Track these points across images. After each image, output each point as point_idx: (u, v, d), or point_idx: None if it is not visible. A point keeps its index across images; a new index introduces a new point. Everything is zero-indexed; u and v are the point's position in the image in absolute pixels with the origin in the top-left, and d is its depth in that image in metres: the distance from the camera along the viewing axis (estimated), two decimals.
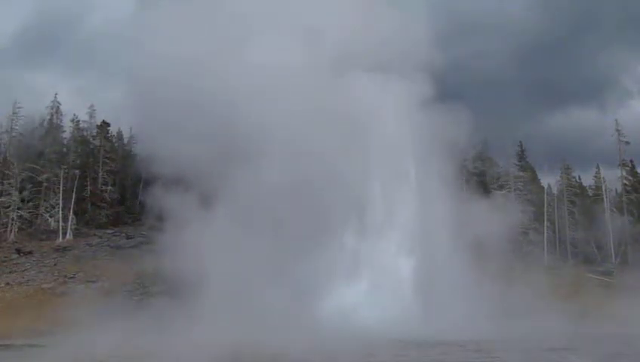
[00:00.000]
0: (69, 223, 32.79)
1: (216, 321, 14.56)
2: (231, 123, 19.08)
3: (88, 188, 35.52)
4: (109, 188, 37.04)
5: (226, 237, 17.83)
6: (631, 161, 38.24)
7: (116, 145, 42.17)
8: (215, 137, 19.74)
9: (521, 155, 39.70)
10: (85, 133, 38.87)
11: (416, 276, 17.93)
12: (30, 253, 30.05)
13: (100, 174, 37.00)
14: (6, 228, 32.43)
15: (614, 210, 36.38)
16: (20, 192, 33.55)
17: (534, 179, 39.31)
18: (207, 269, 17.82)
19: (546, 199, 35.63)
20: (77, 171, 35.14)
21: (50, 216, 33.55)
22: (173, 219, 19.94)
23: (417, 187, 19.66)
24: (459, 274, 17.94)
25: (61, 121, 38.92)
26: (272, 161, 18.48)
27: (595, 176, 40.17)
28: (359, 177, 19.36)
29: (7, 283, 26.52)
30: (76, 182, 34.28)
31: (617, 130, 36.90)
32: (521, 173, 36.81)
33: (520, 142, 40.01)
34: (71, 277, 27.05)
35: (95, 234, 32.99)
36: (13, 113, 35.90)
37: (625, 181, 37.57)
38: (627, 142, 36.94)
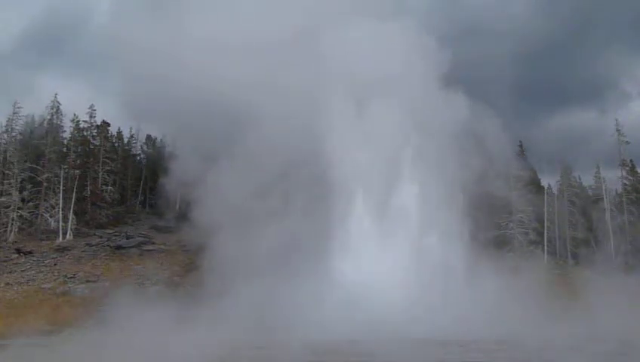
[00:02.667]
0: (69, 223, 32.78)
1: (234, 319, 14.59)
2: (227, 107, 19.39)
3: (88, 188, 35.52)
4: (109, 188, 37.05)
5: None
6: (631, 161, 38.25)
7: (116, 145, 42.22)
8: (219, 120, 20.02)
9: (522, 155, 39.64)
10: (85, 133, 38.82)
11: (413, 272, 17.91)
12: (30, 253, 30.05)
13: (100, 174, 37.02)
14: (6, 228, 32.41)
15: (614, 209, 36.36)
16: (20, 192, 33.53)
17: (534, 179, 39.28)
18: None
19: (546, 199, 35.61)
20: (77, 171, 35.13)
21: (50, 216, 33.55)
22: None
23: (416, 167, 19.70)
24: (457, 272, 17.95)
25: (61, 121, 38.98)
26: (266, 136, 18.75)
27: (595, 176, 40.15)
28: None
29: (7, 283, 26.51)
30: (76, 182, 34.27)
31: (617, 130, 36.92)
32: (521, 173, 36.76)
33: (520, 142, 40.00)
34: (71, 277, 27.06)
35: (95, 234, 32.99)
36: (14, 113, 35.94)
37: (625, 181, 37.55)
38: (627, 142, 37.01)
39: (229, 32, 20.24)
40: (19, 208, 32.94)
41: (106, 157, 37.92)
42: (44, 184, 34.45)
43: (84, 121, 38.44)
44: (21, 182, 33.74)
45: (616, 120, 37.90)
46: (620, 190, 38.15)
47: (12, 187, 33.11)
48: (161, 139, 46.26)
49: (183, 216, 35.83)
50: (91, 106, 38.92)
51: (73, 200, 33.44)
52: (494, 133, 21.31)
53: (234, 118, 19.89)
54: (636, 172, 38.27)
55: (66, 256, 29.74)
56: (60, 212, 32.82)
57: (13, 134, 36.00)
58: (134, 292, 24.64)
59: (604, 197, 36.86)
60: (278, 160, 18.66)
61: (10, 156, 34.32)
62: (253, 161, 19.16)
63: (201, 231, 19.51)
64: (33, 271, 27.90)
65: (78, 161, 36.87)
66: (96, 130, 38.73)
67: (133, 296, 23.08)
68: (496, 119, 21.46)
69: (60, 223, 32.53)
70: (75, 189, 33.92)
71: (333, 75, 19.48)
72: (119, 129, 42.96)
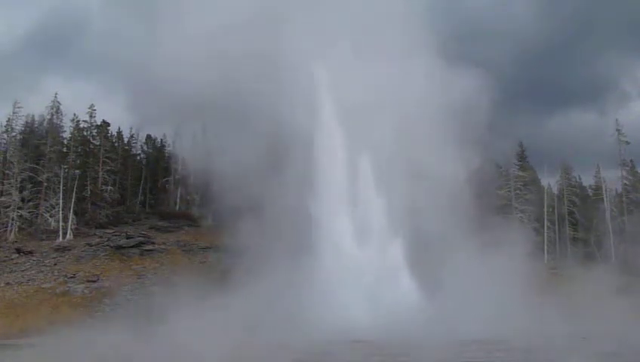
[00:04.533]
0: (69, 223, 32.78)
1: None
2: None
3: (88, 188, 35.51)
4: (109, 188, 37.04)
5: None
6: (631, 161, 38.27)
7: (116, 145, 42.19)
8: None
9: (522, 155, 39.64)
10: (85, 133, 38.78)
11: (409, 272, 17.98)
12: (30, 252, 30.04)
13: (100, 174, 36.99)
14: (6, 228, 32.41)
15: (614, 210, 36.36)
16: (20, 192, 33.53)
17: (534, 179, 39.28)
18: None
19: (546, 199, 35.61)
20: (77, 171, 35.13)
21: (51, 216, 33.54)
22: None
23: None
24: (457, 272, 17.94)
25: (61, 121, 38.95)
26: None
27: (595, 176, 40.19)
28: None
29: (7, 283, 26.50)
30: (76, 182, 34.28)
31: (617, 130, 36.93)
32: (521, 173, 36.77)
33: (520, 142, 39.99)
34: (71, 277, 27.05)
35: (95, 234, 32.98)
36: (14, 113, 35.95)
37: (625, 181, 37.56)
38: (627, 142, 37.00)
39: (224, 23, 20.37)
40: (19, 208, 32.94)
41: (106, 157, 37.90)
42: (44, 184, 34.45)
43: (84, 120, 38.42)
44: (21, 182, 33.73)
45: (617, 120, 38.04)
46: (620, 190, 38.18)
47: (12, 187, 33.11)
48: (161, 139, 46.37)
49: (183, 215, 36.02)
50: (91, 106, 38.95)
51: (73, 200, 33.43)
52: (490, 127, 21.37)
53: (234, 111, 19.97)
54: (636, 172, 38.26)
55: (66, 256, 29.73)
56: (60, 212, 32.82)
57: (13, 134, 36.01)
58: (134, 292, 24.70)
59: (604, 197, 36.87)
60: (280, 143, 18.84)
61: (10, 156, 34.32)
62: (253, 152, 19.24)
63: (201, 230, 19.52)
64: (33, 271, 27.89)
65: (78, 161, 36.85)
66: (96, 130, 38.67)
67: (132, 295, 23.16)
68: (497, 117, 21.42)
69: (60, 223, 32.54)
70: (75, 189, 33.92)
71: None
72: (119, 129, 42.96)
